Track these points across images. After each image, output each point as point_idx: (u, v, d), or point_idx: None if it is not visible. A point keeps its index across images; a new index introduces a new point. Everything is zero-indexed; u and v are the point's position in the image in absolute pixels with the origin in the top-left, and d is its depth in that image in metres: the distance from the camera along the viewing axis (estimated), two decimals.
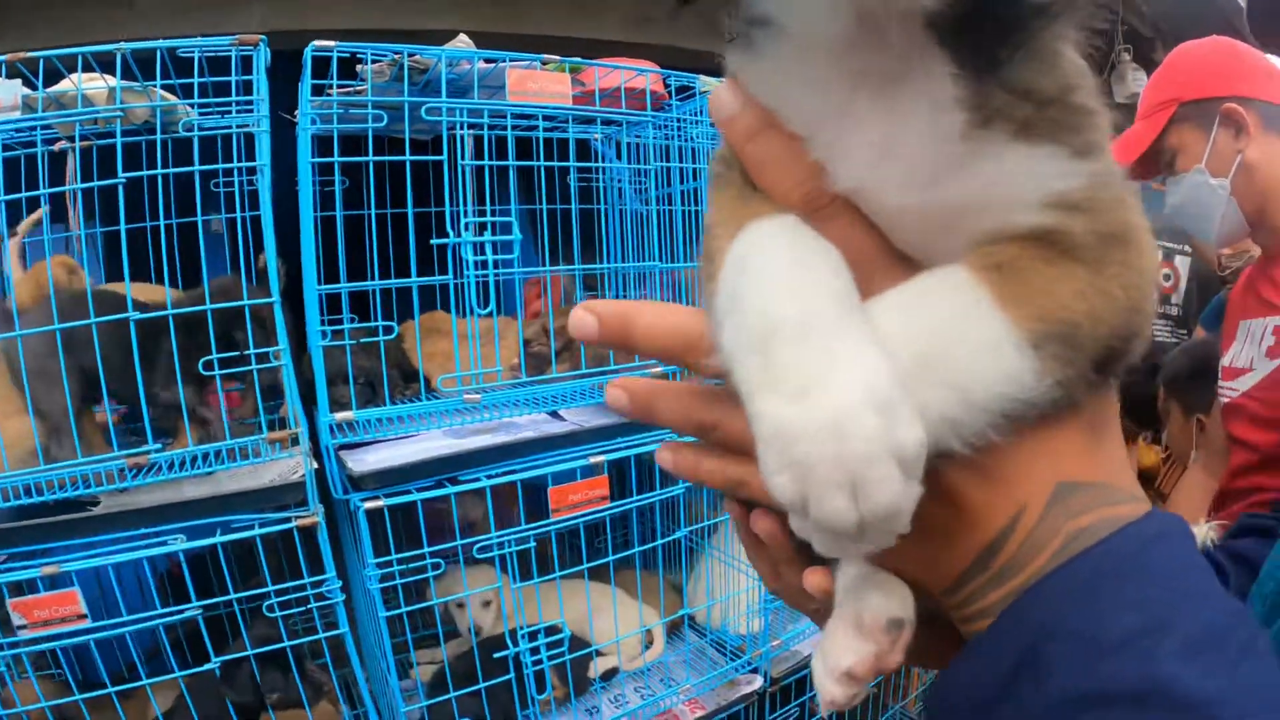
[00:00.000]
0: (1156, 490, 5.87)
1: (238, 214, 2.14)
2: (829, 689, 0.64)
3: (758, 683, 2.67)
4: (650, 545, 2.58)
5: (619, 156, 2.99)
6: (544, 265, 2.88)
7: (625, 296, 3.03)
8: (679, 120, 2.75)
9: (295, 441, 2.13)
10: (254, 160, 2.08)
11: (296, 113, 2.32)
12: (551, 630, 2.30)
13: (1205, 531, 1.08)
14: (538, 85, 2.38)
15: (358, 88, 2.32)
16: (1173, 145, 2.44)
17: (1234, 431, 2.45)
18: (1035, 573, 0.58)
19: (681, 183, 2.83)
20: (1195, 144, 2.39)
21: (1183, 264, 4.99)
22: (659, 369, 2.47)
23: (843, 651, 0.64)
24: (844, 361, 0.54)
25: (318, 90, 2.28)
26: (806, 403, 0.52)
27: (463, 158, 2.29)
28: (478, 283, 2.34)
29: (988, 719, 0.57)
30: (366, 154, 2.22)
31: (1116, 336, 0.61)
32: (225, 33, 2.04)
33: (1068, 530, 0.58)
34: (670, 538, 2.60)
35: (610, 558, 2.41)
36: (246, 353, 2.07)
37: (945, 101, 0.60)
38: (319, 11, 4.19)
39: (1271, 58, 2.41)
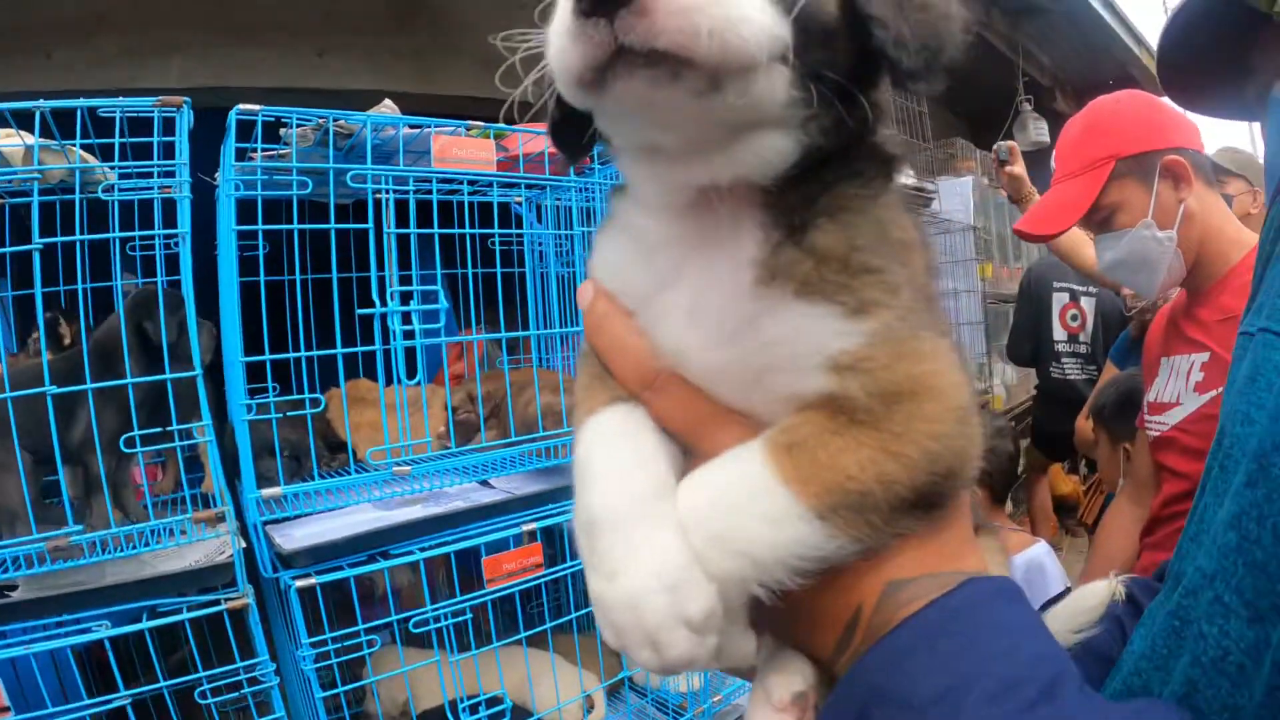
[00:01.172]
0: (1078, 519, 6.03)
1: (158, 279, 2.12)
2: None
3: None
4: (587, 609, 2.56)
5: (539, 220, 3.02)
6: (465, 327, 2.89)
7: (549, 359, 3.06)
8: (601, 184, 2.77)
9: (221, 519, 2.09)
10: (175, 227, 2.07)
11: (217, 175, 2.30)
12: (493, 701, 2.28)
13: (1113, 586, 1.12)
14: (462, 151, 2.40)
15: (281, 152, 2.31)
16: (1113, 202, 2.50)
17: (1165, 462, 2.54)
18: (860, 642, 0.72)
19: None
20: (1138, 198, 2.46)
21: (1089, 304, 5.20)
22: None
23: None
24: (643, 550, 0.70)
25: (241, 154, 2.25)
26: (615, 583, 0.70)
27: (388, 225, 2.28)
28: (404, 351, 2.32)
29: None
30: (290, 220, 2.22)
31: (926, 483, 0.70)
32: (145, 86, 2.03)
33: (900, 616, 0.70)
34: None
35: (548, 624, 2.40)
36: (170, 429, 2.03)
37: (743, 262, 0.73)
38: (240, 69, 4.19)
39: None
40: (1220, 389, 2.24)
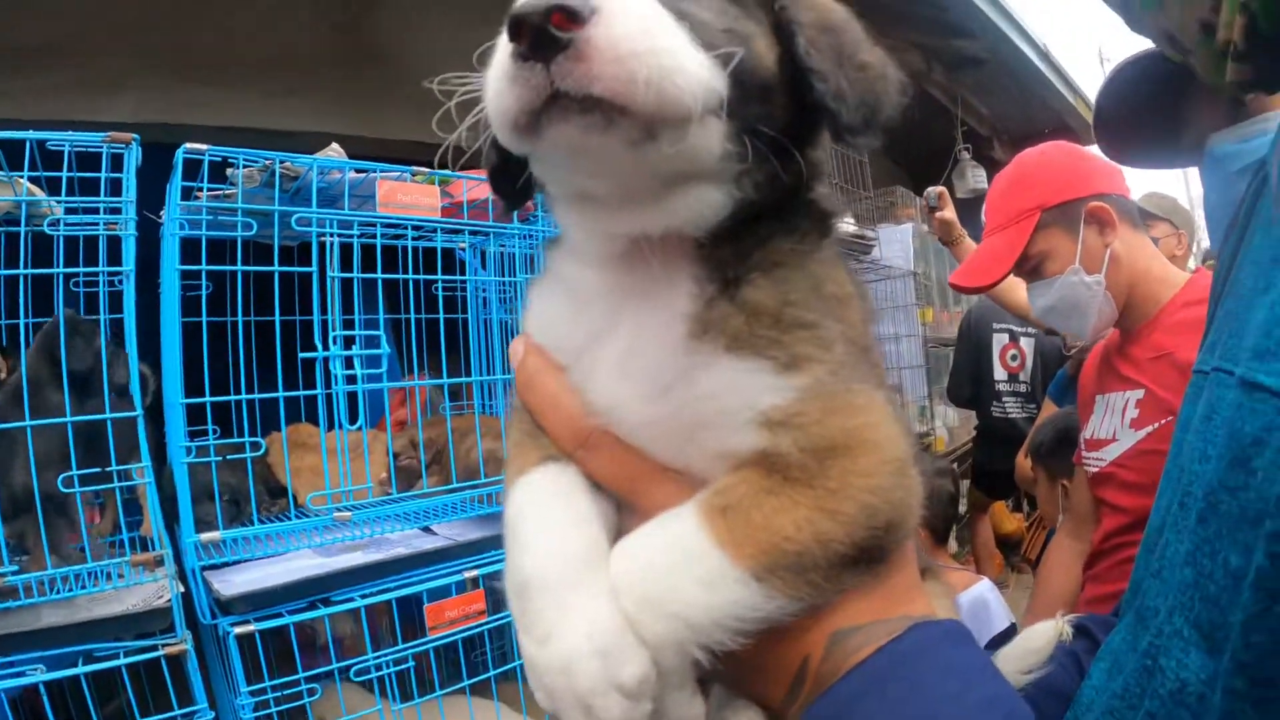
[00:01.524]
0: (1022, 556, 6.11)
1: (101, 316, 2.11)
2: None
3: None
4: None
5: (484, 266, 3.03)
6: (408, 373, 2.89)
7: (492, 405, 3.06)
8: (544, 231, 2.80)
9: (160, 563, 2.07)
10: (119, 265, 2.06)
11: (162, 213, 2.29)
12: None
13: (1060, 627, 1.15)
14: (407, 197, 2.42)
15: (227, 192, 2.31)
16: (1040, 251, 2.57)
17: (1105, 497, 2.60)
18: (806, 695, 0.73)
19: None
20: (1064, 246, 2.53)
21: (1028, 344, 5.31)
22: None
23: None
24: (575, 614, 0.71)
25: (186, 193, 2.26)
26: (547, 647, 0.71)
27: (332, 268, 2.29)
28: (346, 395, 2.32)
29: None
30: (234, 260, 2.22)
31: (866, 538, 0.71)
32: (96, 120, 2.01)
33: (849, 664, 0.71)
34: None
35: (491, 672, 2.39)
36: (109, 469, 2.01)
37: (676, 316, 0.74)
38: (190, 106, 4.17)
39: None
40: (1156, 424, 2.35)
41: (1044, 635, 1.12)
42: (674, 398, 0.74)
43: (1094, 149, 2.50)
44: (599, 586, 0.72)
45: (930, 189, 4.40)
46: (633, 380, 0.76)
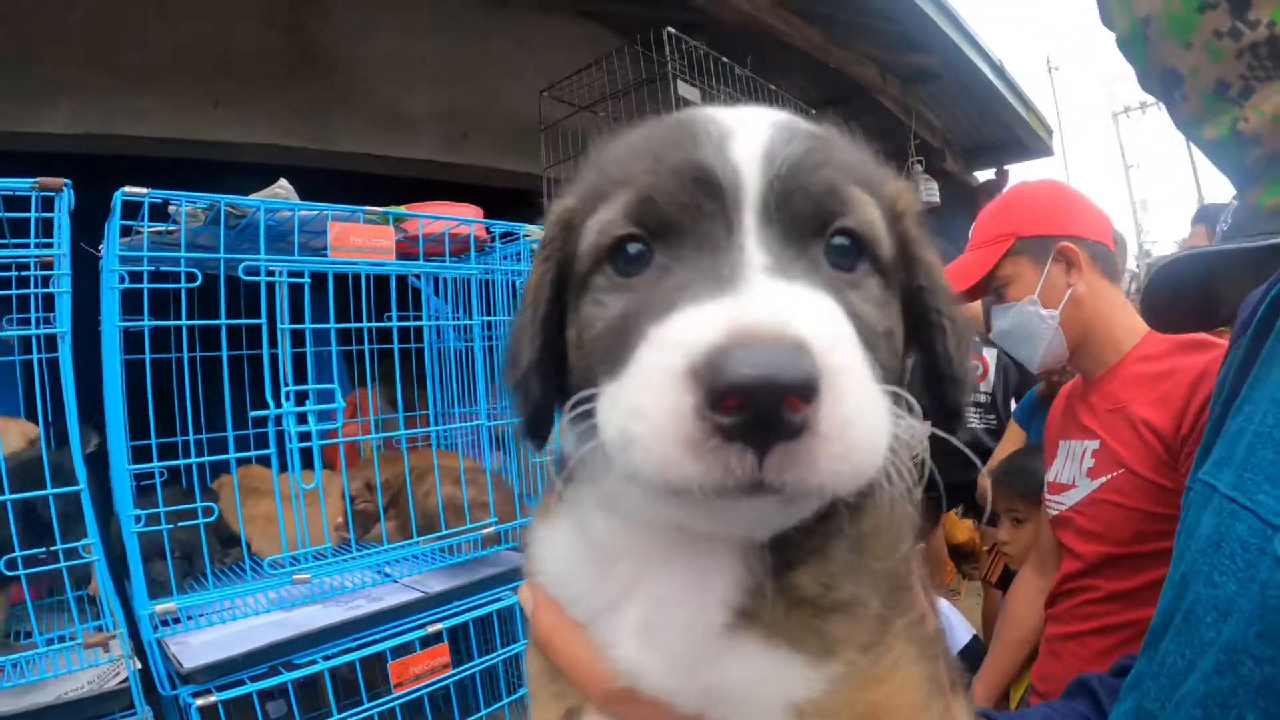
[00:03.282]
0: (983, 576, 6.17)
1: (35, 375, 2.06)
2: None
3: None
4: (497, 706, 2.56)
5: (437, 293, 3.00)
6: (359, 386, 2.86)
7: (447, 433, 3.04)
8: (504, 259, 2.78)
9: (114, 639, 2.04)
10: (53, 326, 2.01)
11: (101, 247, 2.24)
12: None
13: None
14: (359, 239, 2.37)
15: (170, 229, 2.26)
16: (1006, 275, 2.65)
17: (1064, 541, 2.69)
18: None
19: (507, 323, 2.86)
20: (1029, 275, 2.62)
21: (990, 355, 5.33)
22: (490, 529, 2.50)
23: None
24: None
25: (126, 231, 2.20)
26: None
27: (282, 320, 2.25)
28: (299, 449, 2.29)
29: None
30: (179, 298, 2.19)
31: None
32: (29, 131, 1.95)
33: None
34: (517, 695, 2.60)
35: None
36: (54, 548, 1.97)
37: (716, 601, 0.71)
38: (130, 116, 4.06)
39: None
40: (1109, 475, 2.44)
41: None
42: (703, 678, 0.71)
43: (1084, 193, 2.68)
44: None
45: None
46: (660, 652, 0.73)
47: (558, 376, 0.79)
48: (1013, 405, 4.66)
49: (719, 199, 0.65)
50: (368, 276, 2.56)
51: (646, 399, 0.58)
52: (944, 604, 3.71)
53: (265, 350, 2.25)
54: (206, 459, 2.28)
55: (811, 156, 0.68)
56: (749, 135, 0.68)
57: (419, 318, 2.88)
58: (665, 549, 0.74)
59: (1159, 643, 0.90)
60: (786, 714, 0.69)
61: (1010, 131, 8.75)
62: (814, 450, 0.54)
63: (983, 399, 5.35)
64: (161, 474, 2.45)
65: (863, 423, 0.57)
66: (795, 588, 0.70)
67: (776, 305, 0.58)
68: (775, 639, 0.69)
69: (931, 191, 8.34)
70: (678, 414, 0.55)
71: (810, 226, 0.67)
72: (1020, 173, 9.70)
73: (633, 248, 0.70)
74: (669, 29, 3.93)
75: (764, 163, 0.66)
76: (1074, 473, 2.61)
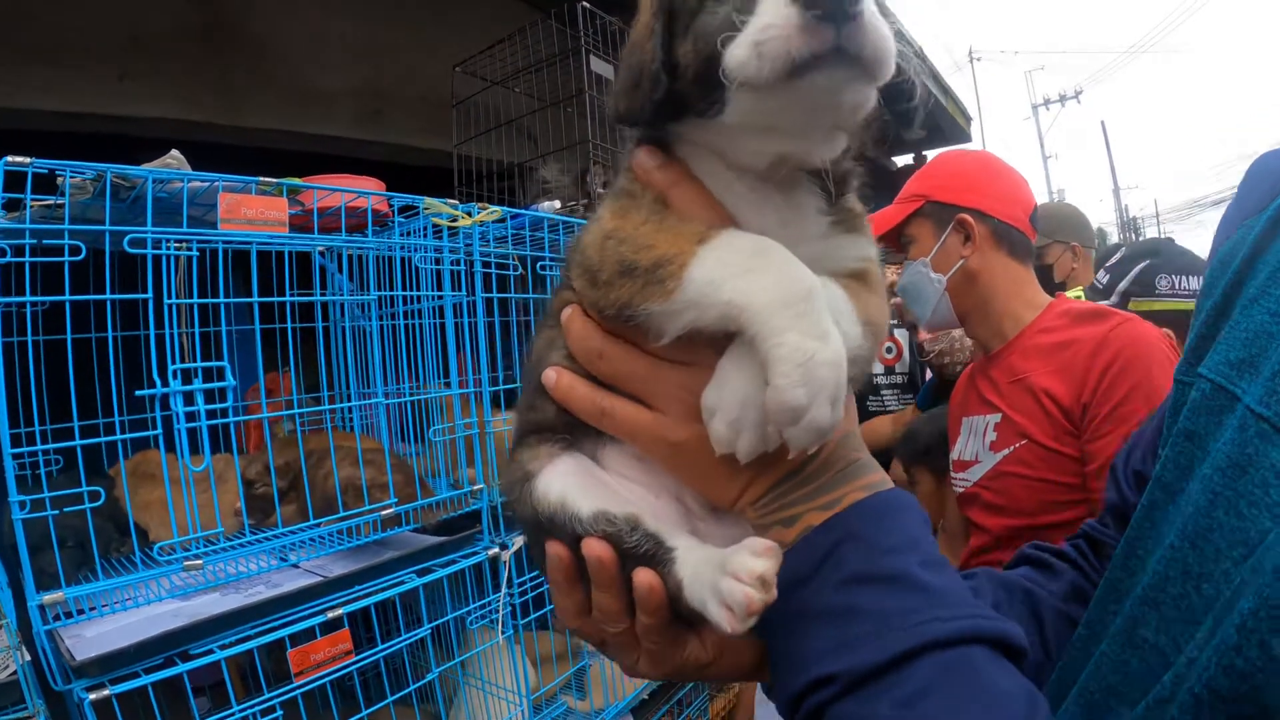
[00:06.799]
0: None
1: None
2: (749, 594, 0.90)
3: None
4: (404, 691, 2.56)
5: (340, 270, 2.97)
6: (270, 369, 2.82)
7: (347, 414, 3.03)
8: (406, 235, 2.76)
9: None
10: None
11: None
12: None
13: None
14: (252, 210, 2.35)
15: (56, 203, 2.23)
16: (911, 234, 2.91)
17: (970, 516, 2.82)
18: (848, 502, 0.99)
19: (405, 300, 2.88)
20: (928, 238, 2.86)
21: (901, 336, 5.42)
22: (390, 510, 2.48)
23: (753, 565, 0.92)
24: (830, 326, 0.93)
25: (11, 205, 2.18)
26: (828, 343, 0.90)
27: (169, 295, 2.20)
28: (191, 430, 2.26)
29: (803, 589, 0.95)
30: (65, 279, 2.14)
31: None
32: None
33: (867, 482, 1.03)
34: (423, 681, 2.62)
35: (364, 711, 2.38)
36: None
37: (812, 209, 1.09)
38: (33, 89, 3.99)
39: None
40: (1012, 447, 2.60)
41: None
42: (811, 245, 1.06)
43: (1014, 169, 2.91)
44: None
45: None
46: (786, 233, 1.02)
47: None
48: None
49: None
50: (263, 252, 2.51)
51: (769, 13, 0.87)
52: None
53: (152, 329, 2.20)
54: (93, 441, 2.22)
55: None
56: None
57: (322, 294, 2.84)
58: (769, 188, 1.09)
59: (1171, 588, 0.89)
60: (854, 263, 1.11)
61: (930, 119, 8.80)
62: (866, 27, 0.85)
63: (899, 380, 5.45)
64: (57, 460, 2.41)
65: (884, 27, 0.88)
66: (846, 206, 1.13)
67: None
68: (844, 230, 1.12)
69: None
70: (789, 13, 0.86)
71: None
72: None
73: None
74: (584, 3, 3.93)
75: None
76: (977, 448, 2.76)
